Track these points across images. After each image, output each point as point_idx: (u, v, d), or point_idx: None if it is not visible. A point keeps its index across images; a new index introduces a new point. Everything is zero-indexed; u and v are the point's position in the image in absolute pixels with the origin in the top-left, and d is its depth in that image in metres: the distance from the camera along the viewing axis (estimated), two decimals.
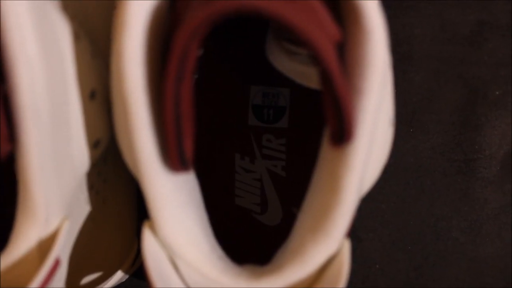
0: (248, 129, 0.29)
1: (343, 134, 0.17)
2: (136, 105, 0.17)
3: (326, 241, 0.20)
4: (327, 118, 0.19)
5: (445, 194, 0.32)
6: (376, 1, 0.18)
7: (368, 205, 0.32)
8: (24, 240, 0.19)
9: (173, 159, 0.18)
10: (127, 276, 0.29)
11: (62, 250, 0.20)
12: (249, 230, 0.29)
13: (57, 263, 0.20)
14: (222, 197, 0.29)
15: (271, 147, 0.29)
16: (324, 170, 0.20)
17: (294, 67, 0.23)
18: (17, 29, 0.17)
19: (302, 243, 0.20)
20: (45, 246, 0.20)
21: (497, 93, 0.33)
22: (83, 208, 0.22)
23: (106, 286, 0.27)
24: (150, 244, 0.20)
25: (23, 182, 0.19)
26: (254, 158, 0.29)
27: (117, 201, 0.25)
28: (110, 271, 0.26)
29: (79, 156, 0.20)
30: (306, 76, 0.23)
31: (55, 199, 0.20)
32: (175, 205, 0.19)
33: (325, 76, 0.17)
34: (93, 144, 0.21)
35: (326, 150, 0.19)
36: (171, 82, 0.17)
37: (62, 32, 0.19)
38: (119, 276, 0.27)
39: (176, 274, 0.20)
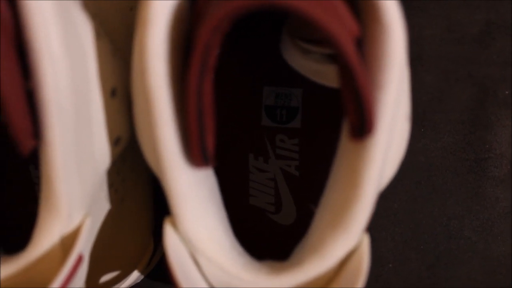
0: (262, 130, 0.29)
1: (363, 128, 0.18)
2: (159, 101, 0.18)
3: (346, 235, 0.20)
4: (346, 113, 0.19)
5: (456, 193, 0.33)
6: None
7: (380, 204, 0.32)
8: (47, 236, 0.20)
9: (196, 154, 0.18)
10: (142, 277, 0.30)
11: (84, 246, 0.20)
12: (263, 229, 0.29)
13: (80, 259, 0.20)
14: (236, 196, 0.29)
15: (284, 147, 0.29)
16: (343, 165, 0.20)
17: (309, 65, 0.23)
18: (42, 27, 0.17)
19: (322, 238, 0.20)
20: (67, 242, 0.20)
21: (506, 92, 0.33)
22: (103, 206, 0.22)
23: (122, 286, 0.27)
24: (172, 240, 0.20)
25: (47, 178, 0.19)
26: (268, 158, 0.29)
27: (134, 201, 0.25)
28: (127, 271, 0.26)
29: (100, 153, 0.20)
30: (321, 74, 0.23)
31: (78, 195, 0.20)
32: (197, 200, 0.20)
33: (346, 70, 0.17)
34: (114, 142, 0.21)
35: (345, 145, 0.20)
36: (194, 78, 0.17)
37: (84, 30, 0.19)
38: (135, 276, 0.27)
39: (197, 270, 0.21)
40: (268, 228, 0.29)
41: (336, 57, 0.22)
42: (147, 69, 0.17)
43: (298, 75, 0.30)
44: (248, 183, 0.29)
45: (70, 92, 0.18)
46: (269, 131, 0.29)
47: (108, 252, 0.24)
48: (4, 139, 0.28)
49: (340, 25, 0.17)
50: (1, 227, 0.29)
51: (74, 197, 0.20)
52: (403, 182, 0.33)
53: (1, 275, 0.20)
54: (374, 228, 0.33)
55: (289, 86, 0.29)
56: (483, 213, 0.32)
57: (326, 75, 0.23)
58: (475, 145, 0.33)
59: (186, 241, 0.20)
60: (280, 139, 0.29)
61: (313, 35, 0.23)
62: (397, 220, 0.33)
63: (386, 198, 0.32)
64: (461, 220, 0.32)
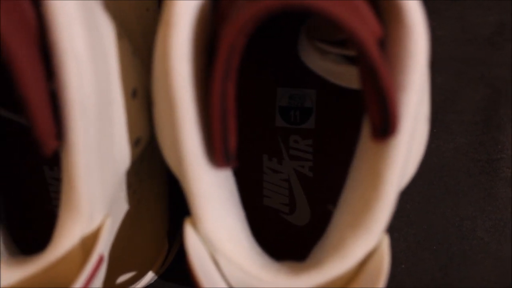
0: (275, 131, 0.29)
1: (386, 129, 0.18)
2: (182, 102, 0.18)
3: (366, 235, 0.20)
4: (368, 114, 0.19)
5: (469, 194, 0.33)
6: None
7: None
8: (68, 236, 0.20)
9: (218, 155, 0.18)
10: (156, 277, 0.30)
11: (104, 247, 0.20)
12: (277, 230, 0.29)
13: (101, 260, 0.20)
14: (250, 197, 0.29)
15: (298, 148, 0.29)
16: (364, 165, 0.20)
17: (327, 66, 0.23)
18: (66, 27, 0.17)
19: (342, 238, 0.20)
20: (88, 243, 0.20)
21: None
22: (122, 207, 0.22)
23: (138, 286, 0.27)
24: (193, 241, 0.20)
25: (68, 179, 0.19)
26: (282, 159, 0.29)
27: (150, 201, 0.25)
28: (143, 271, 0.26)
29: (121, 154, 0.20)
30: (338, 75, 0.23)
31: (98, 196, 0.20)
32: (217, 201, 0.20)
33: (369, 71, 0.17)
34: (134, 142, 0.21)
35: (366, 145, 0.20)
36: (218, 78, 0.17)
37: (106, 30, 0.19)
38: (150, 276, 0.27)
39: (216, 271, 0.21)
40: (282, 229, 0.29)
41: (355, 58, 0.22)
42: (171, 70, 0.17)
43: (312, 76, 0.30)
44: (262, 184, 0.29)
45: (93, 93, 0.18)
46: (283, 132, 0.29)
47: (125, 252, 0.24)
48: (18, 140, 0.28)
49: (364, 26, 0.17)
50: (16, 228, 0.29)
51: (95, 197, 0.20)
52: (416, 183, 0.33)
53: (22, 275, 0.20)
54: (387, 229, 0.33)
55: (303, 87, 0.29)
56: (496, 213, 0.32)
57: (344, 76, 0.23)
58: (487, 146, 0.33)
59: (206, 241, 0.20)
60: (294, 140, 0.29)
61: (332, 36, 0.23)
62: (410, 221, 0.33)
63: (399, 199, 0.32)
64: (473, 221, 0.32)
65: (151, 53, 0.26)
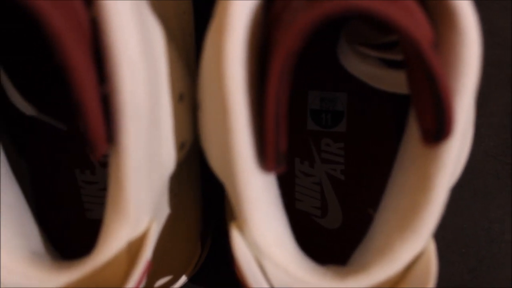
0: (307, 134, 0.29)
1: (441, 133, 0.18)
2: (236, 106, 0.18)
3: (414, 239, 0.20)
4: (418, 117, 0.19)
5: (498, 196, 0.33)
6: (469, 2, 0.18)
7: None
8: (115, 240, 0.19)
9: (270, 158, 0.18)
10: (187, 280, 0.30)
11: (150, 252, 0.20)
12: (310, 233, 0.29)
13: (149, 264, 0.20)
14: (283, 201, 0.29)
15: (330, 151, 0.29)
16: (412, 168, 0.20)
17: (368, 70, 0.23)
18: (121, 28, 0.17)
19: (389, 242, 0.20)
20: (133, 247, 0.20)
21: None
22: (164, 211, 0.22)
23: None
24: (241, 246, 0.20)
25: (117, 182, 0.19)
26: (314, 162, 0.29)
27: (187, 205, 0.25)
28: (178, 275, 0.26)
29: (167, 158, 0.20)
30: (379, 78, 0.23)
31: (145, 199, 0.20)
32: (265, 205, 0.20)
33: (426, 74, 0.17)
34: (180, 146, 0.21)
35: (413, 149, 0.20)
36: (274, 83, 0.17)
37: (155, 33, 0.19)
38: (183, 280, 0.27)
39: (262, 275, 0.21)
40: (315, 232, 0.29)
41: (400, 62, 0.22)
42: (225, 74, 0.17)
43: (343, 79, 0.30)
44: (294, 188, 0.29)
45: (145, 96, 0.18)
46: (314, 135, 0.29)
47: (164, 256, 0.24)
48: (52, 143, 0.28)
49: (420, 30, 0.17)
50: (47, 230, 0.28)
51: (142, 201, 0.20)
52: None
53: (68, 279, 0.20)
54: None
55: (334, 90, 0.29)
56: None
57: (384, 80, 0.23)
58: None
59: (252, 245, 0.20)
60: (326, 143, 0.29)
61: (373, 40, 0.23)
62: (439, 224, 0.32)
63: None
64: (502, 224, 0.32)
65: (189, 55, 0.26)
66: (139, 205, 0.19)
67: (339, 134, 0.29)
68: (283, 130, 0.18)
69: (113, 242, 0.20)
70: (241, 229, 0.20)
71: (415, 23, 0.17)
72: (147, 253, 0.20)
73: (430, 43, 0.18)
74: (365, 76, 0.24)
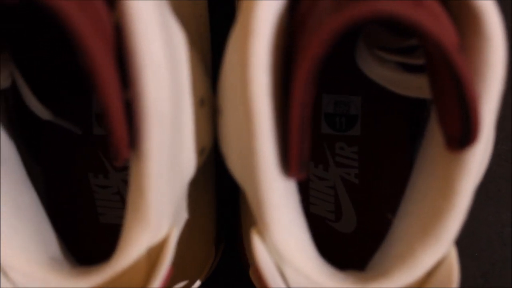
0: (321, 138, 0.29)
1: (467, 138, 0.18)
2: (261, 111, 0.17)
3: (436, 245, 0.20)
4: (442, 122, 0.19)
5: (510, 200, 0.32)
6: (493, 3, 0.18)
7: None
8: (135, 246, 0.19)
9: (294, 164, 0.18)
10: (199, 285, 0.29)
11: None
12: (324, 237, 0.29)
13: (170, 271, 0.20)
14: None
15: (344, 155, 0.29)
16: (434, 174, 0.20)
17: (386, 74, 0.23)
18: (145, 30, 0.17)
19: (411, 247, 0.20)
20: (153, 253, 0.20)
21: None
22: (182, 216, 0.22)
23: None
24: (262, 251, 0.20)
25: (138, 187, 0.19)
26: (328, 166, 0.29)
27: (203, 210, 0.25)
28: (193, 279, 0.26)
29: (187, 163, 0.20)
30: (398, 83, 0.23)
31: (166, 205, 0.20)
32: (287, 211, 0.19)
33: (453, 79, 0.17)
34: (200, 152, 0.21)
35: (435, 154, 0.20)
36: (300, 89, 0.17)
37: (178, 37, 0.19)
38: (197, 284, 0.27)
39: (283, 281, 0.20)
40: (329, 236, 0.29)
41: (422, 67, 0.22)
42: (250, 80, 0.17)
43: (357, 83, 0.30)
44: (309, 191, 0.29)
45: (169, 102, 0.18)
46: (328, 139, 0.29)
47: (181, 261, 0.24)
48: (65, 147, 0.28)
49: (446, 34, 0.17)
50: (62, 235, 0.28)
51: (163, 207, 0.19)
52: None
53: (87, 285, 0.20)
54: None
55: (348, 93, 0.29)
56: None
57: (403, 84, 0.23)
58: None
59: (273, 251, 0.20)
60: (340, 147, 0.29)
61: (392, 44, 0.23)
62: None
63: None
64: None
65: (206, 59, 0.26)
66: (160, 211, 0.19)
67: (353, 138, 0.29)
68: (307, 136, 0.18)
69: (133, 248, 0.19)
70: (262, 235, 0.20)
71: (441, 27, 0.17)
72: (168, 259, 0.19)
73: (456, 47, 0.18)
74: (383, 80, 0.23)
